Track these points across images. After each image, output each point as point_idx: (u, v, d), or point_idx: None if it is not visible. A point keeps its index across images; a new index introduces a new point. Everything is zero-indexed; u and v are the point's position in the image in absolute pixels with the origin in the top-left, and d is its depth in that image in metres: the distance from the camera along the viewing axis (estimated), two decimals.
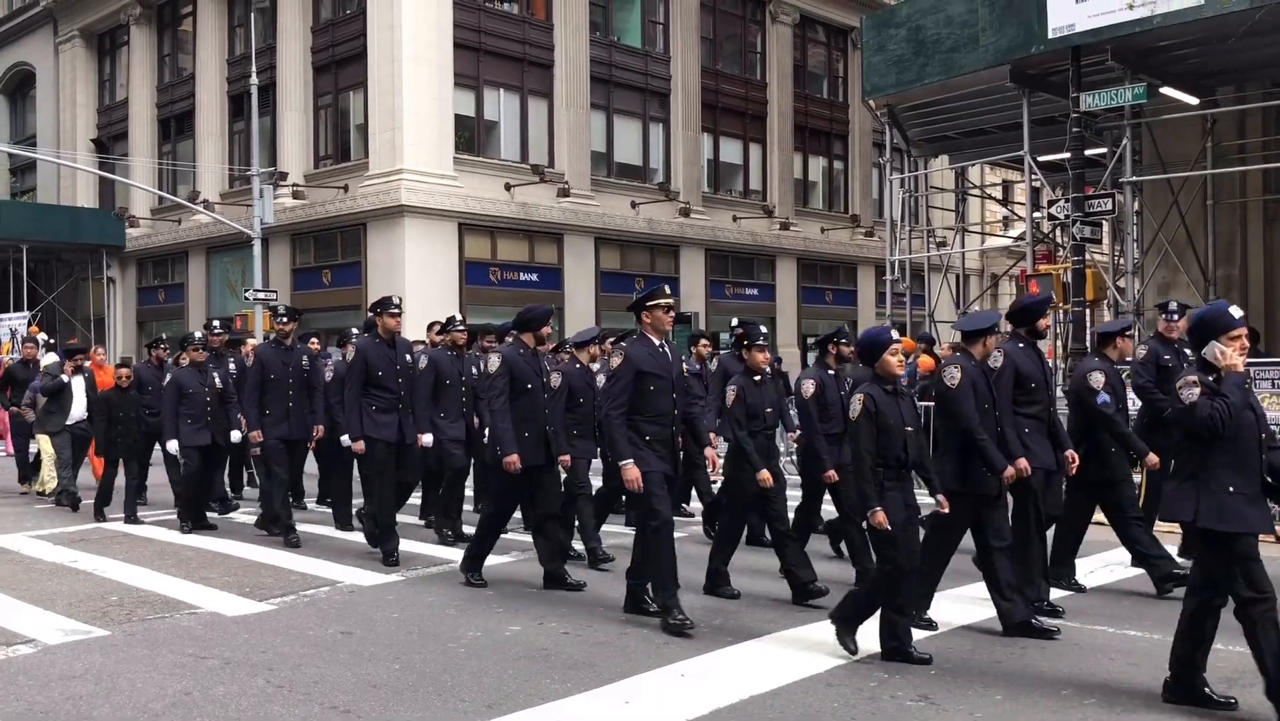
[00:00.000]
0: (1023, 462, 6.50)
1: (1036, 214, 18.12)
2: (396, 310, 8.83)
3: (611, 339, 10.26)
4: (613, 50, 28.04)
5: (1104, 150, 17.45)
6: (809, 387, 7.88)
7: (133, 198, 31.54)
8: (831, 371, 8.06)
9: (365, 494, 9.63)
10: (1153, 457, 7.34)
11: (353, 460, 9.78)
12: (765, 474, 7.15)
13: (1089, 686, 5.43)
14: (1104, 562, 8.29)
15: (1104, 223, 16.20)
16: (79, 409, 12.38)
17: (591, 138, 27.23)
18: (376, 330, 8.88)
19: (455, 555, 8.92)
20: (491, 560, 8.76)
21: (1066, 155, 15.55)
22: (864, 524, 6.02)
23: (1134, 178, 15.65)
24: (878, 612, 5.90)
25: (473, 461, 10.27)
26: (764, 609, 7.05)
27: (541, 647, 6.16)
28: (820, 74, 34.19)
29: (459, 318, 10.16)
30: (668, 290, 6.81)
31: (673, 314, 6.80)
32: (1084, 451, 7.20)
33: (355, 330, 10.79)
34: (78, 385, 12.51)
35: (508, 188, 25.28)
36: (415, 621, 6.78)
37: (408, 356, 8.99)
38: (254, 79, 24.63)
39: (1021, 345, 6.91)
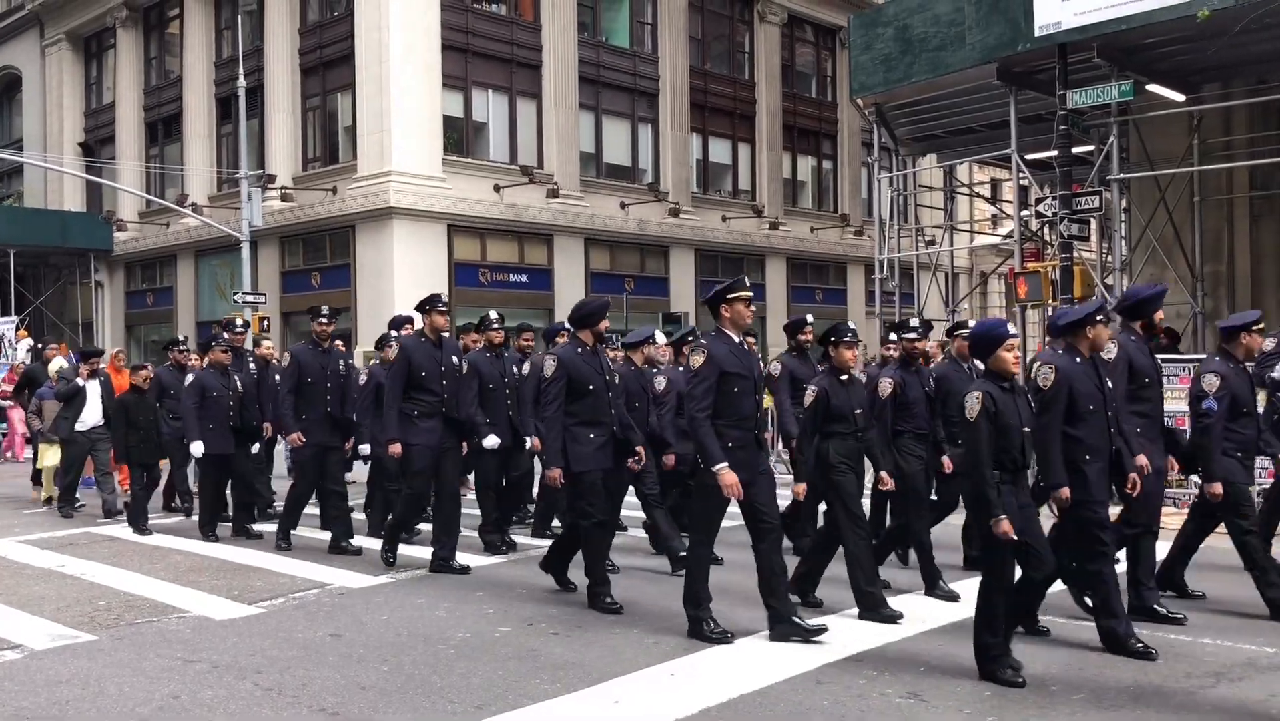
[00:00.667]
0: (1141, 459, 6.23)
1: (1024, 212, 18.12)
2: (445, 308, 8.36)
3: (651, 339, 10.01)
4: (601, 51, 28.03)
5: (1091, 148, 17.48)
6: (886, 386, 7.56)
7: (120, 201, 31.43)
8: (913, 368, 7.73)
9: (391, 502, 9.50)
10: (1217, 488, 6.73)
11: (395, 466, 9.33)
12: (800, 486, 6.84)
13: (1076, 682, 5.44)
14: None
15: (1091, 220, 16.23)
16: (94, 414, 11.88)
17: (580, 138, 27.22)
18: (421, 330, 8.44)
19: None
20: (482, 561, 8.76)
21: (1054, 153, 15.56)
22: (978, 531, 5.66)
23: (1121, 175, 15.67)
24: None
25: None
26: (754, 607, 7.03)
27: (531, 648, 6.15)
28: (808, 73, 34.22)
29: (494, 315, 9.53)
30: (748, 282, 6.43)
31: (753, 307, 6.39)
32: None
33: (395, 334, 10.33)
34: (92, 389, 11.98)
35: (496, 189, 25.26)
36: (404, 623, 6.77)
37: (454, 358, 8.47)
38: (241, 81, 24.56)
39: (1134, 339, 6.61)
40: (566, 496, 7.68)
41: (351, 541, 9.33)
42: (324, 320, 9.48)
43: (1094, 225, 17.37)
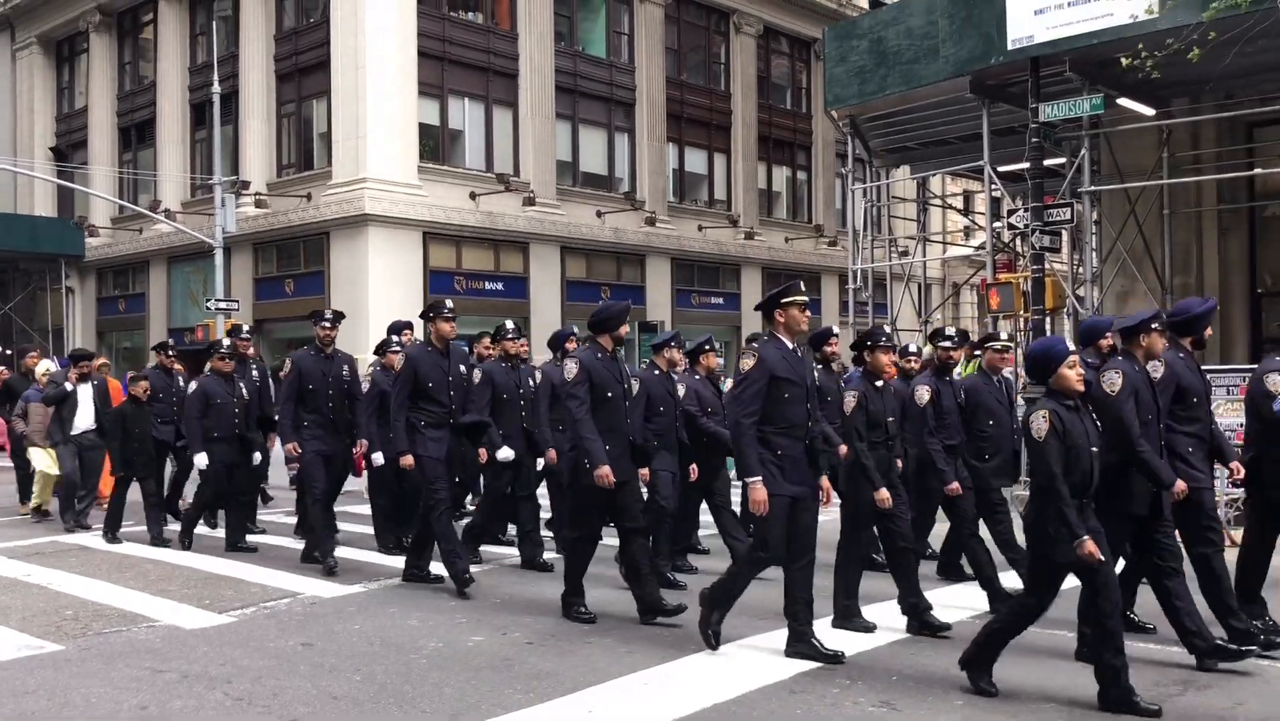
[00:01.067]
0: (1181, 485, 5.97)
1: (997, 223, 18.28)
2: (450, 314, 8.06)
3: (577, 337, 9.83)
4: (577, 60, 28.08)
5: (1063, 160, 17.65)
6: (924, 394, 7.40)
7: (92, 207, 31.17)
8: (948, 378, 7.60)
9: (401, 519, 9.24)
10: None
11: (397, 477, 9.06)
12: (884, 493, 6.58)
13: (1048, 690, 5.48)
14: None
15: (1063, 232, 16.38)
16: (85, 419, 11.48)
17: (557, 147, 27.23)
18: (429, 337, 8.13)
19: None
20: None
21: (1026, 165, 15.70)
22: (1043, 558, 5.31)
23: (1092, 187, 15.82)
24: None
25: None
26: (728, 616, 7.04)
27: (504, 657, 6.13)
28: (784, 85, 34.40)
29: (511, 325, 9.27)
30: (803, 286, 6.26)
31: (808, 313, 6.18)
32: (1253, 460, 6.48)
33: (397, 339, 9.94)
34: (84, 393, 11.54)
35: (473, 196, 25.22)
36: (377, 632, 6.73)
37: (461, 367, 8.18)
38: (216, 87, 24.43)
39: (1182, 355, 6.31)
40: (570, 503, 7.41)
41: None
42: (326, 324, 9.10)
43: (1065, 237, 17.52)
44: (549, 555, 9.00)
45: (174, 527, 10.81)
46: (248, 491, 10.47)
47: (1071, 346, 5.41)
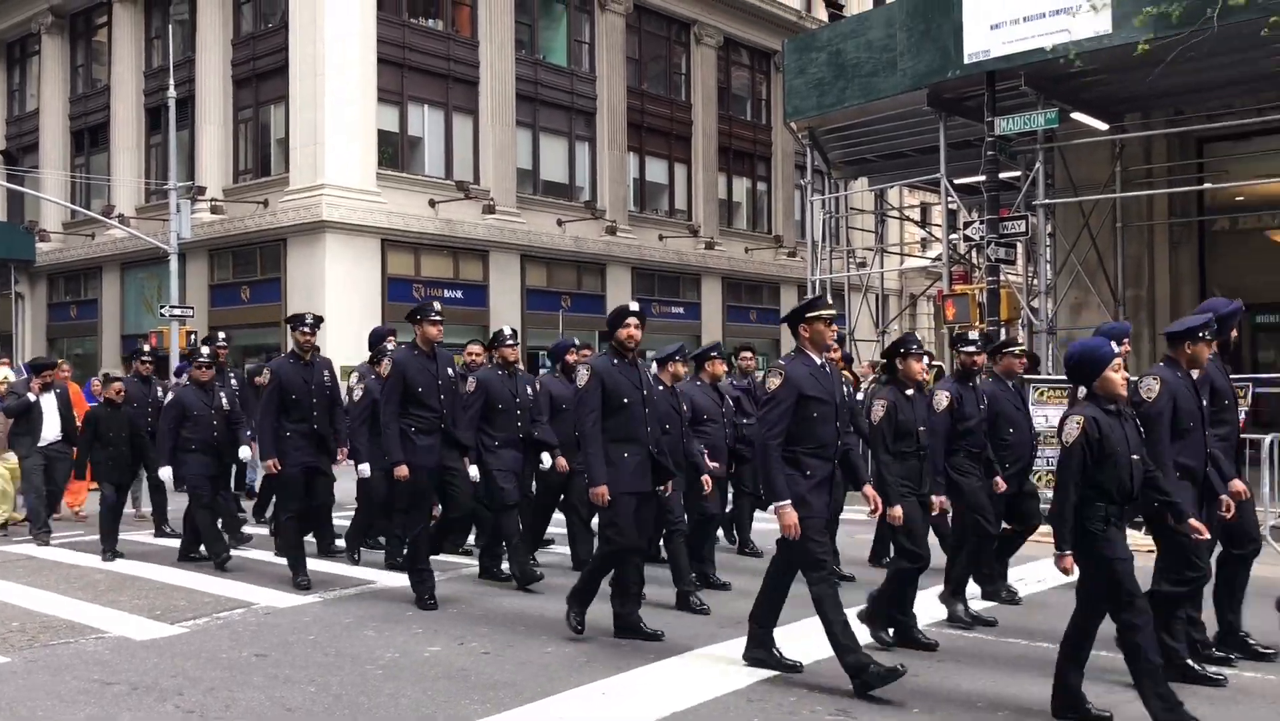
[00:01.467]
0: (1238, 485, 5.86)
1: (953, 235, 18.52)
2: (438, 317, 7.83)
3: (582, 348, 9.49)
4: (538, 68, 28.07)
5: (1018, 173, 17.92)
6: (942, 400, 7.19)
7: (44, 211, 30.67)
8: (971, 384, 7.41)
9: (394, 528, 9.08)
10: None
11: (387, 484, 8.75)
12: (896, 510, 6.26)
13: (1002, 699, 5.52)
14: (1019, 576, 8.44)
15: (1018, 244, 16.60)
16: (52, 429, 11.22)
17: (517, 155, 27.19)
18: (414, 341, 7.88)
19: (373, 575, 8.79)
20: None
21: (982, 178, 15.91)
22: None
23: (1046, 200, 16.05)
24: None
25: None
26: (688, 625, 7.06)
27: (461, 668, 6.08)
28: (744, 96, 34.61)
29: (509, 330, 8.92)
30: (830, 301, 6.06)
31: (835, 327, 6.01)
32: None
33: (390, 346, 9.64)
34: (48, 403, 11.26)
35: (432, 204, 25.11)
36: (332, 643, 6.66)
37: (449, 370, 7.99)
38: (172, 91, 24.15)
39: (1211, 357, 6.15)
40: (601, 518, 7.13)
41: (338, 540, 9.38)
42: (306, 329, 8.66)
43: (1020, 249, 17.76)
44: (507, 566, 8.94)
45: (151, 540, 10.68)
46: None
47: (1116, 349, 5.16)
